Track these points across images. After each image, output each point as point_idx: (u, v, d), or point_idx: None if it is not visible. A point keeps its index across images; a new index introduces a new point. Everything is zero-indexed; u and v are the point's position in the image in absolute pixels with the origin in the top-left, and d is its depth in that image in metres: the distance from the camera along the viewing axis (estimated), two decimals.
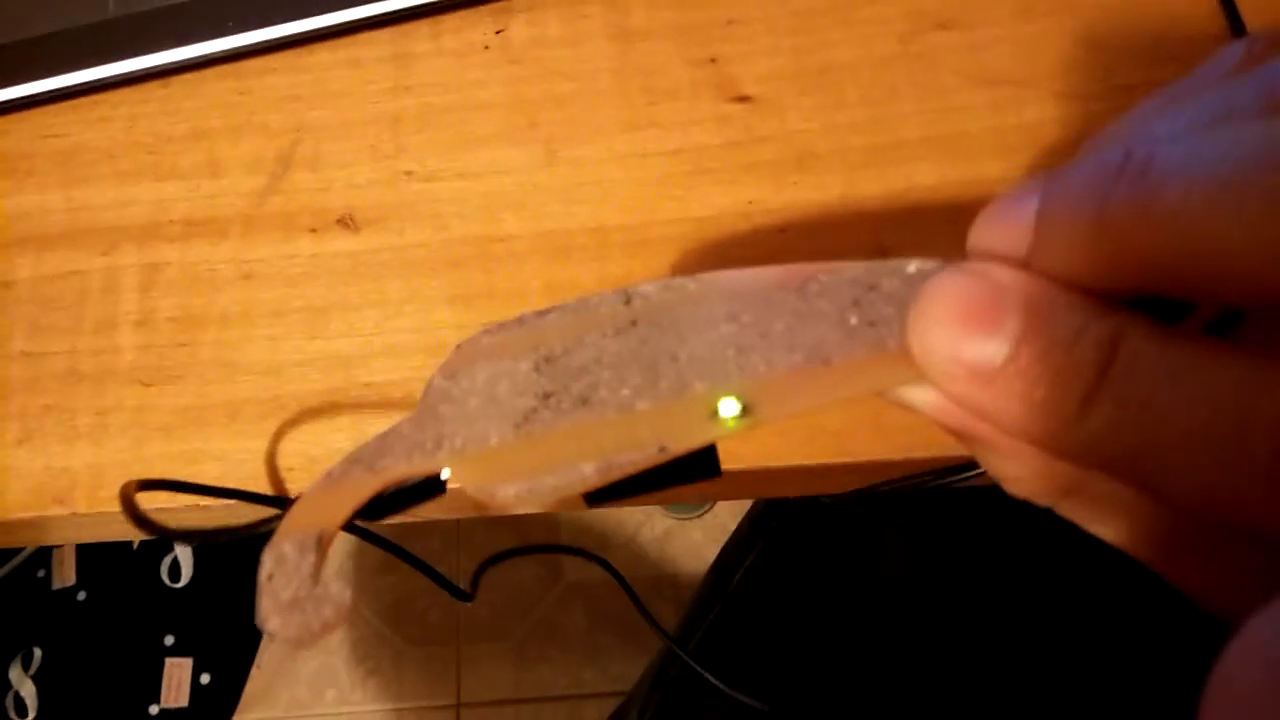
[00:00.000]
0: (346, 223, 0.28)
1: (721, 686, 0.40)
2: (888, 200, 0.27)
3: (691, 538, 1.06)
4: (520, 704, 1.02)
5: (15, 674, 0.98)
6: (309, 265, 0.27)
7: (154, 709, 1.00)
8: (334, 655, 1.03)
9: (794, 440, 0.25)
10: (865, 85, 0.28)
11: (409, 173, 0.28)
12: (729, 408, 0.16)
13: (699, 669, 0.40)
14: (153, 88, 0.30)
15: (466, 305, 0.27)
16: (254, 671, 1.02)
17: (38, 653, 0.99)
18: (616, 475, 0.16)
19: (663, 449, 0.16)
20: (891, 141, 0.27)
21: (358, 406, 0.26)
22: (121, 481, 0.26)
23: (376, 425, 0.26)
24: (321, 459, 0.26)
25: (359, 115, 0.29)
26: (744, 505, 0.52)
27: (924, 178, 0.27)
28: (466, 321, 0.26)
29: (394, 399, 0.26)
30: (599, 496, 0.17)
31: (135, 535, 0.28)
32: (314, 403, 0.26)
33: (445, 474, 0.18)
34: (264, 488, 0.25)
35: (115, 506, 0.25)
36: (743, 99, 0.28)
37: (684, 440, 0.16)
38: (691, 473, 0.17)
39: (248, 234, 0.28)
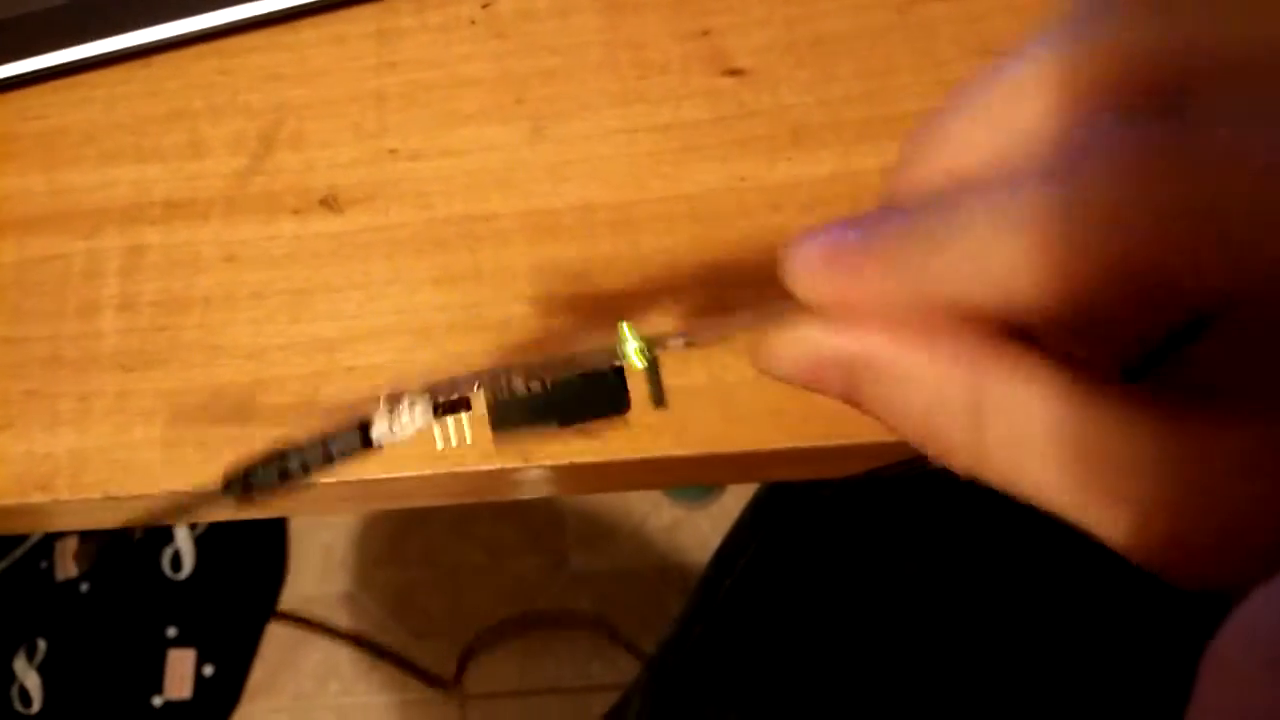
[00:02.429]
0: (330, 203, 0.27)
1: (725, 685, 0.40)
2: (884, 174, 0.26)
3: (699, 528, 1.06)
4: (526, 696, 1.02)
5: (20, 665, 0.99)
6: (292, 247, 0.27)
7: (157, 700, 1.00)
8: (337, 647, 1.03)
9: (788, 422, 0.24)
10: (861, 57, 0.27)
11: (393, 151, 0.28)
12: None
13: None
14: (134, 68, 0.29)
15: (451, 286, 0.26)
16: (257, 663, 1.02)
17: (42, 644, 0.99)
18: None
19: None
20: (888, 114, 0.27)
21: (341, 390, 0.25)
22: (104, 467, 0.25)
23: (362, 409, 0.25)
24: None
25: (342, 93, 0.28)
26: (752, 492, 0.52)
27: None
28: (451, 303, 0.26)
29: (377, 383, 0.25)
30: (502, 418, 0.17)
31: (115, 523, 0.27)
32: (297, 387, 0.25)
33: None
34: None
35: (98, 493, 0.25)
36: (735, 72, 0.27)
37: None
38: (603, 407, 0.18)
39: (230, 215, 0.27)
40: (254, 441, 0.25)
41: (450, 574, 1.05)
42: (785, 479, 0.26)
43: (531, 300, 0.26)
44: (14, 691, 0.97)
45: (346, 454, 0.20)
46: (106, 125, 0.29)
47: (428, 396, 0.19)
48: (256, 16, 0.29)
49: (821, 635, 0.41)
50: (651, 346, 0.18)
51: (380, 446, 0.20)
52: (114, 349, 0.26)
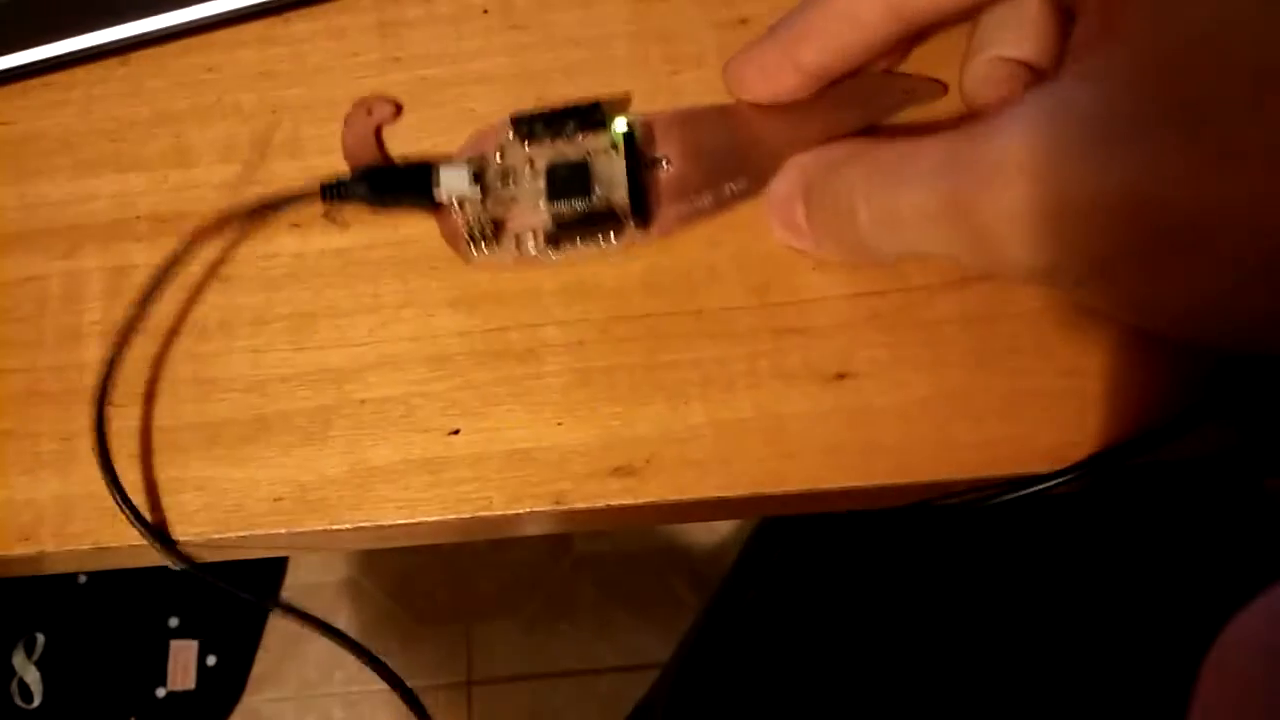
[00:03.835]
0: (333, 217, 0.25)
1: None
2: None
3: None
4: (532, 680, 1.01)
5: (19, 660, 0.97)
6: (292, 266, 0.24)
7: (161, 692, 0.98)
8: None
9: (846, 459, 0.22)
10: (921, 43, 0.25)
11: (403, 157, 0.25)
12: (620, 125, 0.24)
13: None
14: (110, 66, 0.27)
15: (471, 309, 0.24)
16: (261, 653, 1.01)
17: (40, 638, 0.98)
18: None
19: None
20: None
21: (353, 426, 0.23)
22: (93, 515, 0.23)
23: (376, 447, 0.23)
24: (314, 486, 0.23)
25: (342, 93, 0.26)
26: None
27: None
28: (471, 327, 0.23)
29: (394, 416, 0.23)
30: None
31: (111, 566, 0.25)
32: (303, 423, 0.23)
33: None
34: (249, 521, 0.23)
35: (88, 543, 0.23)
36: None
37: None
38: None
39: (223, 231, 0.25)
40: (259, 486, 0.23)
41: (453, 559, 1.03)
42: (840, 509, 0.24)
43: (561, 322, 0.23)
44: (14, 686, 0.95)
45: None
46: (83, 131, 0.26)
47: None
48: (245, 8, 0.26)
49: (851, 652, 0.39)
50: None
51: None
52: (98, 382, 0.24)
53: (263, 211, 0.24)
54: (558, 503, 0.22)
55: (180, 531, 0.23)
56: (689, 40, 0.25)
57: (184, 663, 0.99)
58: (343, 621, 1.02)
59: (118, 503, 0.22)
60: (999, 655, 0.37)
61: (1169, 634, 0.33)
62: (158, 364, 0.24)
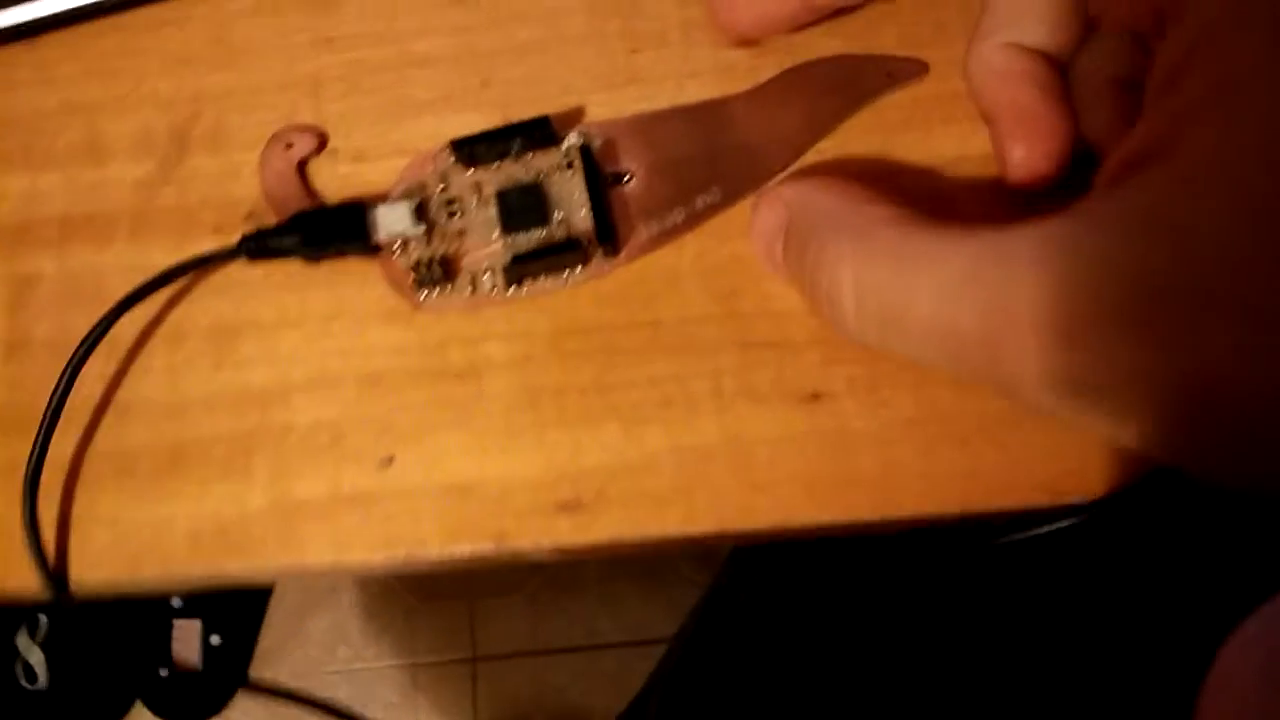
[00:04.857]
0: (257, 219, 0.22)
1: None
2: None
3: None
4: (537, 656, 1.00)
5: (23, 641, 0.97)
6: (212, 274, 0.22)
7: (165, 671, 0.98)
8: (345, 613, 1.01)
9: (821, 492, 0.19)
10: (906, 19, 0.22)
11: (333, 150, 0.23)
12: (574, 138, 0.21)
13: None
14: (17, 51, 0.24)
15: (406, 322, 0.21)
16: (264, 631, 1.01)
17: (43, 619, 0.97)
18: None
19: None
20: (939, 93, 0.21)
21: (278, 454, 0.21)
22: None
23: (303, 479, 0.21)
24: (236, 522, 0.21)
25: (270, 78, 0.23)
26: None
27: (976, 148, 0.21)
28: (407, 343, 0.21)
29: (322, 443, 0.21)
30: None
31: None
32: (223, 451, 0.21)
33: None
34: (165, 561, 0.21)
35: None
36: (750, 42, 0.22)
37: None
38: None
39: (138, 235, 0.23)
40: (176, 520, 0.21)
41: None
42: (818, 536, 0.22)
43: (504, 336, 0.21)
44: (19, 668, 0.95)
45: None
46: None
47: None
48: None
49: (849, 654, 0.38)
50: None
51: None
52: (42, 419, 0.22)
53: (178, 275, 0.21)
54: (498, 541, 0.20)
55: (87, 575, 0.21)
56: (650, 16, 0.22)
57: (188, 642, 0.99)
58: (346, 599, 1.01)
59: (31, 547, 0.20)
60: (997, 660, 0.35)
61: (1174, 648, 0.32)
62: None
